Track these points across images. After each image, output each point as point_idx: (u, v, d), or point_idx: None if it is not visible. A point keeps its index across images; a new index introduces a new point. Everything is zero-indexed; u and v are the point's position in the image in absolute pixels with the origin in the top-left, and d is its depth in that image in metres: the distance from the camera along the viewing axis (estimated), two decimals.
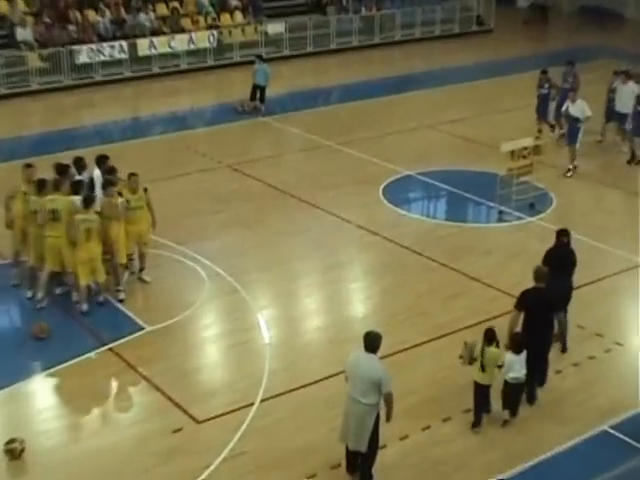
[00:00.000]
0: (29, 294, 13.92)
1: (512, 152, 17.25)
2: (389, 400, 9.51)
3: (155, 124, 24.53)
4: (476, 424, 10.94)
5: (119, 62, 27.80)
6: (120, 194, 13.83)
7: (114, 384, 12.16)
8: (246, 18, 31.49)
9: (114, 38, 28.15)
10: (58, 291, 13.96)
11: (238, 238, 16.40)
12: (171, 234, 15.35)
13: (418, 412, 11.18)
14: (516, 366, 10.78)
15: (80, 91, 26.72)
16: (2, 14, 27.58)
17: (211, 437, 10.77)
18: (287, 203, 17.98)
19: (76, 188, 13.80)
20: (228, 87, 28.19)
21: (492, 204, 17.62)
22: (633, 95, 20.01)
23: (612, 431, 10.95)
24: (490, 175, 18.36)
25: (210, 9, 30.59)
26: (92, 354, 12.51)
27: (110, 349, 12.61)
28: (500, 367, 10.78)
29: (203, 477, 10.12)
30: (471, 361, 10.89)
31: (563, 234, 12.57)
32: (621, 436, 10.86)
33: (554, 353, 12.08)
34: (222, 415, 11.18)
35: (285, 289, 14.71)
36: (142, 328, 13.15)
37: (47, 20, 27.79)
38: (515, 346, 10.79)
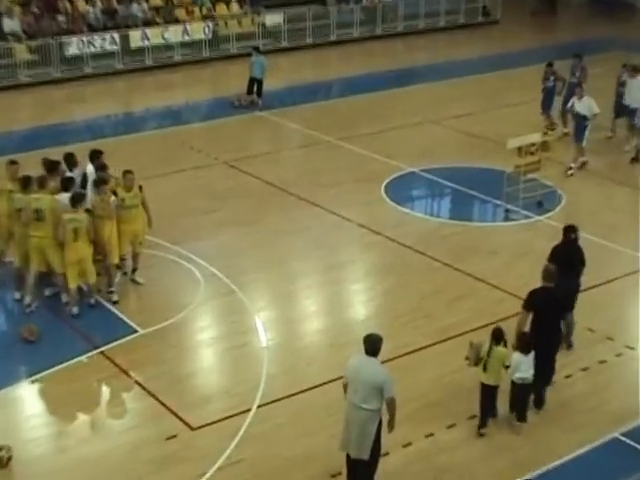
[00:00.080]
0: (17, 295, 13.93)
1: (519, 148, 17.27)
2: (392, 406, 9.50)
3: (148, 119, 24.53)
4: (482, 426, 10.99)
5: (110, 54, 27.80)
6: (115, 192, 13.83)
7: (106, 389, 12.17)
8: (243, 8, 31.50)
9: (105, 29, 28.14)
10: (47, 292, 13.96)
11: (235, 237, 16.41)
12: (165, 233, 15.35)
13: (422, 418, 11.19)
14: (523, 366, 10.83)
15: (70, 84, 26.72)
16: None
17: (207, 444, 10.77)
18: (286, 201, 17.98)
19: (66, 185, 13.79)
20: (224, 80, 28.21)
21: (498, 202, 17.63)
22: None
23: (623, 438, 10.96)
24: (496, 172, 18.37)
25: None
26: (83, 358, 12.50)
27: (102, 353, 12.61)
28: (507, 367, 10.82)
29: None
30: (477, 362, 10.93)
31: (571, 230, 12.62)
32: (633, 443, 10.87)
33: (563, 357, 12.10)
34: (218, 421, 11.18)
35: (283, 290, 14.71)
36: (135, 331, 13.15)
37: (35, 10, 27.80)
38: (523, 346, 10.83)
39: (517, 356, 10.84)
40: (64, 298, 13.70)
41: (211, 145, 21.36)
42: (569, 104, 19.83)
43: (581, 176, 19.27)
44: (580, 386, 12.01)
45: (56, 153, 16.38)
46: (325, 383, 11.67)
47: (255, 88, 24.36)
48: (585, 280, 12.67)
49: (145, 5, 29.55)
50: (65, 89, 26.40)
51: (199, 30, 29.34)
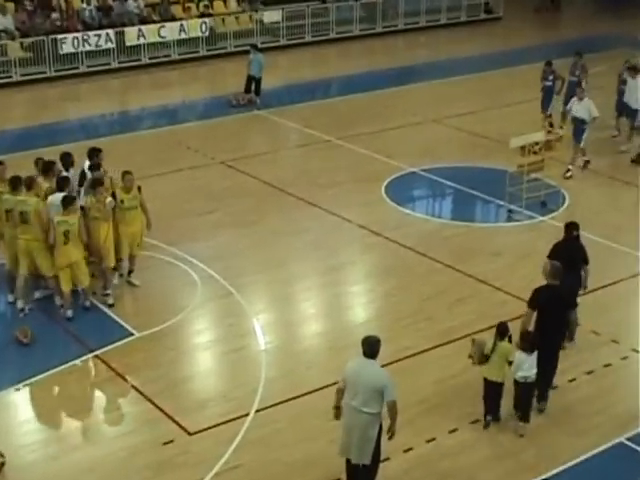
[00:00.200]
0: (10, 298, 13.93)
1: (522, 147, 17.27)
2: (393, 409, 9.50)
3: (144, 118, 24.54)
4: (487, 425, 11.10)
5: (106, 52, 27.80)
6: (114, 193, 13.83)
7: (101, 394, 12.17)
8: (240, 5, 31.52)
9: (100, 27, 28.14)
10: (36, 295, 13.94)
11: (232, 238, 16.41)
12: (161, 234, 15.35)
13: (423, 423, 11.19)
14: (526, 365, 10.87)
15: (64, 83, 26.73)
16: None
17: (204, 449, 10.77)
18: (284, 201, 17.99)
19: (61, 185, 13.79)
20: (221, 79, 28.23)
21: (501, 202, 17.63)
22: None
23: (629, 443, 10.95)
24: (499, 172, 18.37)
25: None
26: (78, 362, 12.50)
27: (97, 356, 12.60)
28: (510, 363, 10.87)
29: None
30: (481, 360, 10.98)
31: (573, 227, 12.70)
32: (638, 448, 10.87)
33: (567, 360, 12.11)
34: (215, 426, 11.18)
35: (282, 292, 14.71)
36: (131, 334, 13.15)
37: (29, 7, 27.80)
38: (527, 345, 10.87)
39: (520, 355, 10.88)
40: (57, 301, 13.71)
41: (208, 144, 21.37)
42: (569, 105, 19.80)
43: (585, 176, 19.28)
44: (585, 390, 12.02)
45: (50, 153, 16.42)
46: (325, 387, 11.65)
47: (253, 86, 24.38)
48: (590, 281, 12.68)
49: (141, 2, 29.56)
50: (59, 87, 26.42)
51: (196, 27, 29.34)
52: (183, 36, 29.13)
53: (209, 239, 16.30)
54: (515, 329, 11.24)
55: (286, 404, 11.61)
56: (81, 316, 13.56)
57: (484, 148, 20.81)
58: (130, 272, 14.55)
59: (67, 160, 14.76)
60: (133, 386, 12.01)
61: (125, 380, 12.14)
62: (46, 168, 14.25)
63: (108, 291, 13.96)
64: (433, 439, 10.96)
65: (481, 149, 20.80)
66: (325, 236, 16.54)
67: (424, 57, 30.90)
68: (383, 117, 23.32)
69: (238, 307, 13.95)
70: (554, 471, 10.46)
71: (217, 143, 21.57)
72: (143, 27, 28.48)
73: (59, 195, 13.53)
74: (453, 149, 20.99)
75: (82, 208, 13.67)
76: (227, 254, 15.68)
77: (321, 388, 11.63)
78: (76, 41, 27.09)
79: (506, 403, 11.26)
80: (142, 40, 28.31)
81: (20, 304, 13.66)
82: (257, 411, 11.43)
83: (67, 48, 26.98)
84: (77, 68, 27.32)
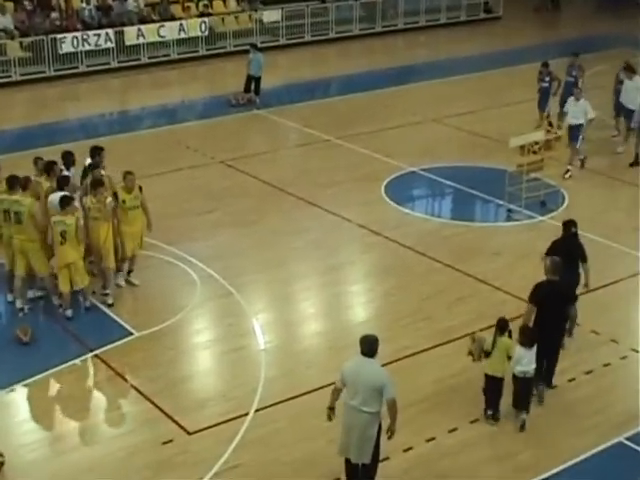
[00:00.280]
0: (9, 298, 13.94)
1: (522, 147, 17.29)
2: (393, 407, 9.50)
3: (144, 117, 24.55)
4: (488, 419, 11.19)
5: (105, 51, 27.81)
6: (115, 194, 13.83)
7: (100, 393, 12.18)
8: (240, 5, 31.52)
9: (100, 26, 28.15)
10: (30, 295, 13.93)
11: (232, 238, 16.42)
12: (161, 234, 15.34)
13: (422, 422, 11.20)
14: (524, 360, 10.97)
15: (64, 82, 26.74)
16: None
17: (203, 449, 10.77)
18: (284, 201, 18.00)
19: (61, 184, 13.80)
20: (221, 78, 28.23)
21: (500, 202, 17.64)
22: (638, 91, 19.93)
23: (628, 443, 10.96)
24: (498, 171, 18.37)
25: None
26: (77, 361, 12.52)
27: (96, 356, 12.61)
28: (510, 359, 10.95)
29: None
30: (480, 356, 11.06)
31: (572, 224, 12.80)
32: (637, 448, 10.88)
33: (566, 360, 12.12)
34: (215, 426, 11.19)
35: (282, 292, 14.72)
36: (130, 333, 13.16)
37: (28, 7, 27.80)
38: (526, 340, 10.96)
39: (519, 349, 10.97)
40: (55, 301, 13.70)
41: (208, 144, 21.38)
42: (565, 107, 19.72)
43: (584, 176, 19.29)
44: (584, 389, 12.02)
45: (49, 152, 16.43)
46: (324, 386, 11.61)
47: (253, 86, 24.39)
48: (590, 280, 12.70)
49: (141, 1, 29.56)
50: (59, 87, 26.42)
51: (195, 27, 29.34)
52: (182, 36, 29.14)
53: (208, 239, 16.30)
54: (515, 328, 11.26)
55: (286, 404, 11.62)
56: (81, 316, 13.57)
57: (484, 148, 20.82)
58: (130, 272, 14.56)
59: (68, 159, 14.78)
60: (132, 386, 12.02)
61: (124, 380, 12.16)
62: (48, 168, 14.25)
63: (107, 291, 13.97)
64: (433, 438, 10.97)
65: (481, 149, 20.81)
66: (325, 236, 16.54)
67: (424, 57, 30.91)
68: (383, 117, 23.33)
69: (237, 307, 13.96)
70: (553, 471, 10.47)
71: (216, 143, 21.58)
72: (142, 27, 28.49)
73: (59, 194, 13.54)
74: (453, 149, 21.00)
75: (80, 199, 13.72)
76: (227, 254, 15.69)
77: (321, 388, 11.62)
78: (75, 41, 27.10)
79: (506, 401, 11.30)
80: (141, 40, 28.32)
81: (19, 304, 13.68)
82: (257, 411, 11.44)
83: (66, 48, 26.98)
84: (76, 68, 27.32)
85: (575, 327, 12.77)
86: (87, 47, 27.32)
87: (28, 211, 13.16)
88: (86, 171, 14.60)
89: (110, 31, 27.77)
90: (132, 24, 28.52)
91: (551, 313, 11.26)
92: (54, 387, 12.22)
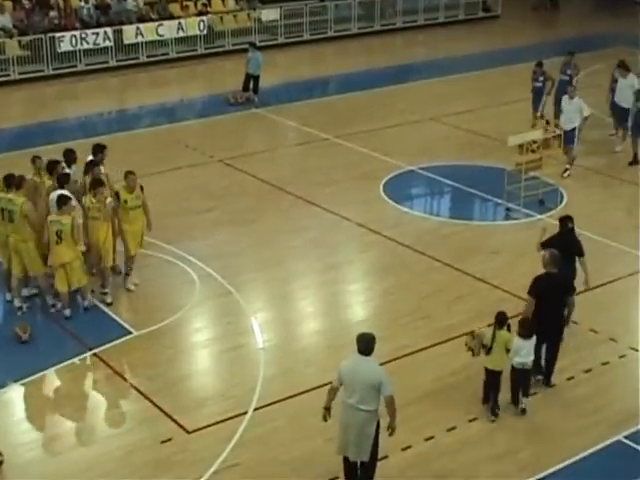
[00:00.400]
0: (8, 297, 13.93)
1: (520, 146, 17.29)
2: (391, 405, 9.51)
3: (142, 116, 24.54)
4: (485, 402, 11.30)
5: (104, 50, 27.79)
6: (117, 193, 13.81)
7: (99, 392, 12.16)
8: (238, 4, 31.51)
9: (98, 25, 28.13)
10: (24, 292, 13.90)
11: (231, 237, 16.41)
12: (160, 233, 15.31)
13: (421, 421, 11.20)
14: (523, 351, 11.09)
15: (62, 81, 26.72)
16: None
17: (202, 448, 10.76)
18: (282, 200, 17.99)
19: (61, 182, 13.79)
20: (219, 77, 28.21)
21: (499, 201, 17.64)
22: (633, 89, 19.94)
23: (627, 441, 10.96)
24: (497, 170, 18.38)
25: None
26: (76, 360, 12.51)
27: (95, 355, 12.60)
28: (509, 351, 11.06)
29: None
30: (480, 351, 11.16)
31: (568, 220, 12.90)
32: (636, 446, 10.88)
33: (565, 358, 12.12)
34: (214, 424, 11.18)
35: (280, 291, 14.72)
36: (129, 332, 13.15)
37: (27, 5, 27.77)
38: (524, 331, 11.07)
39: (518, 341, 11.09)
40: (49, 300, 13.66)
41: (206, 143, 21.37)
42: (562, 104, 19.65)
43: (583, 174, 19.28)
44: (583, 388, 12.02)
45: (48, 151, 16.42)
46: (323, 385, 11.56)
47: (251, 85, 24.38)
48: (589, 278, 12.71)
49: (140, 0, 29.53)
50: (57, 86, 26.41)
51: (194, 26, 29.32)
52: (181, 34, 29.12)
53: (207, 237, 16.29)
54: (515, 327, 11.28)
55: (284, 402, 11.61)
56: (79, 315, 13.55)
57: (482, 146, 20.81)
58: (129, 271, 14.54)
59: (70, 156, 14.78)
60: (131, 384, 12.01)
61: (123, 378, 12.15)
62: (51, 167, 14.21)
63: (106, 290, 13.95)
64: (431, 437, 10.96)
65: (479, 147, 20.81)
66: (323, 234, 16.53)
67: (422, 55, 30.90)
68: (381, 115, 23.32)
69: (236, 305, 13.95)
70: (552, 469, 10.47)
71: (215, 141, 21.57)
72: (141, 25, 28.47)
73: (58, 193, 13.53)
74: (451, 147, 20.99)
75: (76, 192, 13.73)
76: (225, 252, 15.68)
77: (319, 386, 11.58)
78: (74, 39, 27.08)
79: (504, 397, 11.32)
80: (140, 38, 28.30)
81: (17, 302, 13.68)
82: (255, 409, 11.43)
83: (65, 46, 26.96)
84: (75, 66, 27.30)
85: (575, 325, 12.81)
86: (86, 46, 27.30)
87: (20, 210, 13.15)
88: (87, 168, 14.58)
89: (109, 30, 27.75)
90: (131, 23, 28.51)
91: (550, 305, 11.39)
92: (53, 386, 12.21)
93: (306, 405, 11.47)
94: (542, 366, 11.82)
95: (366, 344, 9.54)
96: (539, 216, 17.15)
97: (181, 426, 11.12)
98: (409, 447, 10.73)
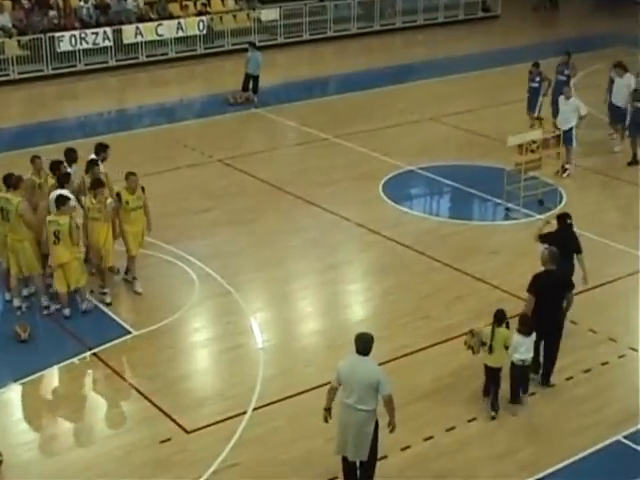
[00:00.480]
0: (7, 296, 13.93)
1: (520, 146, 17.27)
2: (390, 404, 9.52)
3: (142, 116, 24.54)
4: (492, 408, 11.30)
5: (103, 50, 27.80)
6: (119, 195, 13.80)
7: (98, 392, 12.15)
8: (238, 4, 31.52)
9: (98, 24, 28.13)
10: (24, 292, 13.91)
11: (230, 237, 16.41)
12: (159, 233, 15.31)
13: (420, 421, 11.20)
14: (522, 348, 11.16)
15: (62, 81, 26.72)
16: None
17: (201, 448, 10.76)
18: (282, 200, 17.99)
19: (62, 182, 13.80)
20: (219, 77, 28.20)
21: (499, 201, 17.64)
22: (629, 89, 19.93)
23: (626, 441, 10.96)
24: (496, 170, 18.38)
25: None
26: (75, 360, 12.50)
27: (94, 354, 12.60)
28: (507, 348, 11.13)
29: None
30: (479, 349, 11.23)
31: (566, 216, 12.98)
32: (635, 446, 10.88)
33: (565, 358, 12.12)
34: (213, 424, 11.18)
35: (280, 291, 14.71)
36: (128, 332, 13.15)
37: (26, 5, 27.76)
38: (524, 328, 11.14)
39: (517, 337, 11.16)
40: (44, 301, 13.61)
41: (206, 143, 21.37)
42: (558, 104, 19.62)
43: (582, 174, 19.29)
44: (582, 388, 12.02)
45: (47, 151, 16.43)
46: (322, 385, 11.57)
47: (251, 85, 24.38)
48: (588, 277, 12.71)
49: (140, 0, 29.52)
50: (57, 85, 26.40)
51: (193, 25, 29.32)
52: (181, 34, 29.12)
53: (207, 237, 16.29)
54: (515, 325, 11.30)
55: (284, 402, 11.61)
56: (79, 315, 13.54)
57: (482, 146, 20.82)
58: (127, 271, 14.52)
59: (71, 156, 14.78)
60: (130, 384, 12.00)
61: (122, 378, 12.15)
62: (54, 167, 14.20)
63: (106, 290, 13.95)
64: (431, 437, 10.96)
65: (479, 147, 20.81)
66: (323, 234, 16.53)
67: (422, 55, 30.90)
68: (381, 115, 23.32)
69: (236, 305, 13.95)
70: (552, 469, 10.47)
71: (214, 141, 21.57)
72: (140, 25, 28.48)
73: (57, 192, 13.54)
74: (451, 147, 20.99)
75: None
76: (225, 252, 15.68)
77: (319, 386, 11.59)
78: (73, 39, 27.08)
79: (503, 396, 11.32)
80: (140, 38, 28.31)
81: (16, 302, 13.68)
82: (255, 409, 11.43)
83: (64, 46, 26.96)
84: (74, 66, 27.30)
85: (574, 325, 12.82)
86: (85, 45, 27.30)
87: (15, 210, 13.15)
88: (88, 167, 14.58)
89: (108, 29, 27.75)
90: (130, 22, 28.51)
91: (549, 302, 11.47)
92: (52, 386, 12.21)
93: (305, 405, 11.48)
94: (540, 363, 11.85)
95: (364, 344, 9.55)
96: (538, 216, 17.11)
97: (180, 426, 11.12)
98: (408, 447, 10.73)
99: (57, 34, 26.89)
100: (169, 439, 10.89)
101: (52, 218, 13.06)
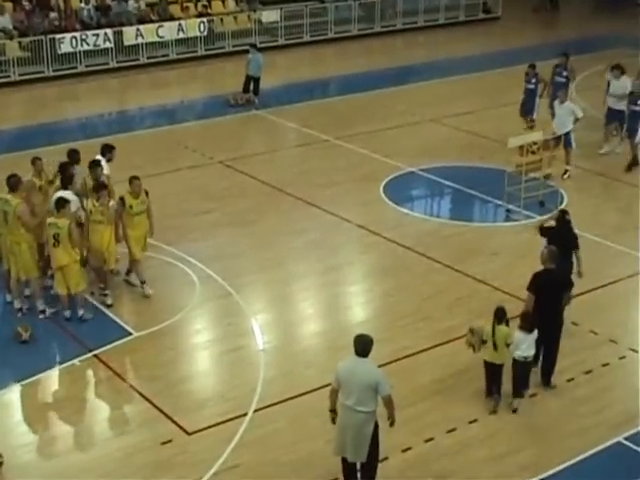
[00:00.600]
0: (8, 298, 13.94)
1: (521, 147, 17.28)
2: (390, 404, 9.54)
3: (142, 118, 24.55)
4: (489, 395, 11.43)
5: (104, 51, 27.81)
6: (122, 199, 13.80)
7: (99, 393, 12.16)
8: (239, 5, 31.54)
9: (99, 26, 28.15)
10: (26, 292, 13.91)
11: (231, 238, 16.42)
12: (160, 234, 15.29)
13: (421, 422, 11.20)
14: (524, 345, 11.25)
15: (63, 82, 26.73)
16: None
17: (202, 449, 10.77)
18: (282, 201, 18.00)
19: (65, 183, 13.81)
20: (220, 78, 28.22)
21: (499, 202, 17.65)
22: (626, 91, 19.90)
23: (627, 443, 10.97)
24: (497, 171, 18.39)
25: None
26: (76, 361, 12.51)
27: (95, 356, 12.60)
28: (509, 345, 11.21)
29: None
30: (480, 347, 11.31)
31: (565, 213, 13.22)
32: (636, 448, 10.88)
33: (565, 359, 12.13)
34: (214, 426, 11.19)
35: (281, 292, 14.72)
36: (129, 334, 13.16)
37: (27, 7, 27.78)
38: (526, 325, 11.24)
39: (519, 334, 11.25)
40: (39, 305, 13.57)
41: (206, 144, 21.38)
42: (554, 108, 19.58)
43: (583, 176, 19.29)
44: (583, 389, 12.03)
45: (48, 153, 16.43)
46: (323, 387, 11.58)
47: (252, 86, 24.39)
48: (588, 281, 12.74)
49: (142, 2, 29.54)
50: (57, 87, 26.42)
51: (194, 27, 29.34)
52: (181, 36, 29.14)
53: (208, 239, 16.30)
54: (514, 325, 11.32)
55: (284, 404, 11.62)
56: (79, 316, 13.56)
57: (482, 148, 20.82)
58: (129, 272, 14.53)
59: (74, 157, 14.79)
60: (131, 386, 12.01)
61: (123, 380, 12.15)
62: (64, 170, 14.20)
63: (106, 291, 13.96)
64: (431, 439, 10.96)
65: (479, 149, 20.81)
66: (323, 236, 16.54)
67: (422, 57, 30.91)
68: (381, 117, 23.33)
69: (237, 307, 13.95)
70: (552, 470, 10.47)
71: (215, 143, 21.58)
72: (141, 27, 28.49)
73: (62, 193, 13.58)
74: (451, 149, 21.00)
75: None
76: (226, 254, 15.69)
77: (320, 388, 11.60)
78: (74, 41, 27.09)
79: (504, 399, 11.32)
80: (140, 40, 28.32)
81: (17, 304, 13.69)
82: (255, 411, 11.44)
83: (65, 48, 26.97)
84: (75, 68, 27.31)
85: (575, 327, 12.85)
86: (86, 47, 27.31)
87: (13, 212, 13.16)
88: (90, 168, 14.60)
89: (109, 31, 27.77)
90: (131, 24, 28.52)
91: (549, 300, 11.53)
92: (53, 387, 12.21)
93: (306, 406, 11.49)
94: (540, 360, 11.91)
95: (363, 346, 9.56)
96: (539, 217, 17.11)
97: (181, 427, 11.13)
98: (409, 448, 10.74)
99: (58, 36, 26.90)
100: (170, 440, 10.90)
101: (52, 221, 13.07)
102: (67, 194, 13.59)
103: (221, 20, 30.30)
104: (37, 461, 10.71)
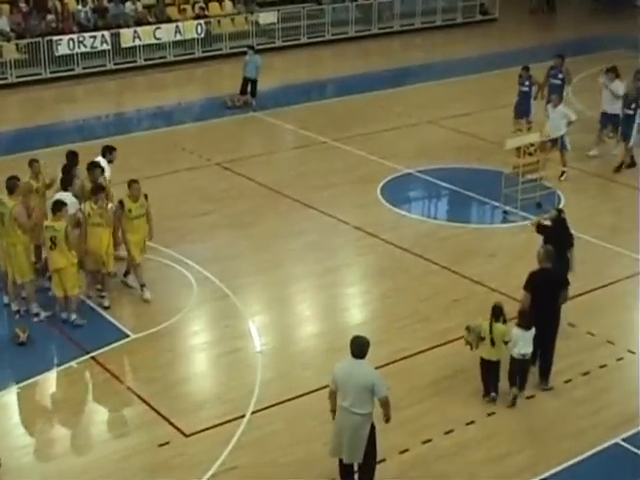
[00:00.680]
0: (5, 300, 13.93)
1: (518, 149, 17.29)
2: (386, 405, 9.56)
3: (140, 119, 24.53)
4: (487, 394, 11.51)
5: (101, 53, 27.78)
6: (122, 202, 13.79)
7: (96, 395, 12.15)
8: (236, 7, 31.53)
9: (96, 28, 28.13)
10: (23, 294, 13.87)
11: (228, 240, 16.41)
12: (157, 236, 15.28)
13: (419, 424, 11.20)
14: (522, 342, 11.33)
15: (60, 84, 26.72)
16: None
17: (200, 451, 10.77)
18: (280, 203, 18.00)
19: (65, 184, 13.80)
20: (217, 80, 28.24)
21: (497, 204, 17.66)
22: (620, 94, 19.90)
23: (625, 444, 10.97)
24: (494, 173, 18.40)
25: None
26: (73, 363, 12.50)
27: (93, 358, 12.59)
28: (507, 343, 11.30)
29: None
30: (478, 344, 11.39)
31: (560, 211, 13.42)
32: (634, 449, 10.89)
33: (563, 361, 12.14)
34: (211, 428, 11.18)
35: (278, 294, 14.72)
36: (127, 336, 13.15)
37: (24, 9, 27.76)
38: (524, 323, 11.32)
39: (517, 331, 11.34)
40: (33, 309, 13.55)
41: (204, 146, 21.37)
42: (547, 112, 19.55)
43: (580, 177, 19.30)
44: (580, 391, 12.03)
45: (45, 155, 16.42)
46: (321, 388, 11.61)
47: (249, 88, 24.39)
48: (586, 283, 12.76)
49: (139, 5, 29.53)
50: (55, 89, 26.40)
51: (191, 29, 29.34)
52: (179, 37, 29.12)
53: (205, 241, 16.30)
54: (511, 324, 11.34)
55: (282, 406, 11.62)
56: (78, 318, 13.53)
57: (480, 149, 20.83)
58: (126, 273, 14.52)
59: (73, 159, 14.78)
60: (129, 388, 12.01)
61: (121, 382, 12.15)
62: (66, 171, 14.19)
63: (104, 293, 13.95)
64: (429, 440, 10.96)
65: (477, 150, 20.82)
66: (321, 238, 16.54)
67: (420, 58, 30.90)
68: (379, 118, 23.34)
69: (234, 309, 13.95)
70: (550, 472, 10.47)
71: (213, 145, 21.57)
72: (138, 29, 28.45)
73: (61, 194, 13.57)
74: (449, 150, 21.00)
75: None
76: (223, 256, 15.68)
77: (317, 390, 11.62)
78: (71, 43, 27.07)
79: (502, 400, 11.32)
80: (137, 42, 28.29)
81: (14, 306, 13.67)
82: (253, 413, 11.44)
83: (62, 50, 26.95)
84: (72, 70, 27.30)
85: (572, 328, 12.87)
86: (83, 49, 27.29)
87: (10, 214, 13.15)
88: (102, 170, 14.59)
89: (106, 33, 27.74)
90: (128, 26, 28.50)
91: (545, 299, 11.60)
92: (50, 389, 12.21)
93: (304, 408, 11.49)
94: (537, 357, 11.95)
95: (360, 348, 9.57)
96: (536, 219, 17.13)
97: (179, 429, 11.13)
98: (407, 450, 10.73)
99: (55, 38, 26.88)
100: (167, 443, 10.89)
101: (48, 223, 13.06)
102: (67, 196, 13.58)
103: (218, 22, 30.30)
104: (34, 463, 10.71)
